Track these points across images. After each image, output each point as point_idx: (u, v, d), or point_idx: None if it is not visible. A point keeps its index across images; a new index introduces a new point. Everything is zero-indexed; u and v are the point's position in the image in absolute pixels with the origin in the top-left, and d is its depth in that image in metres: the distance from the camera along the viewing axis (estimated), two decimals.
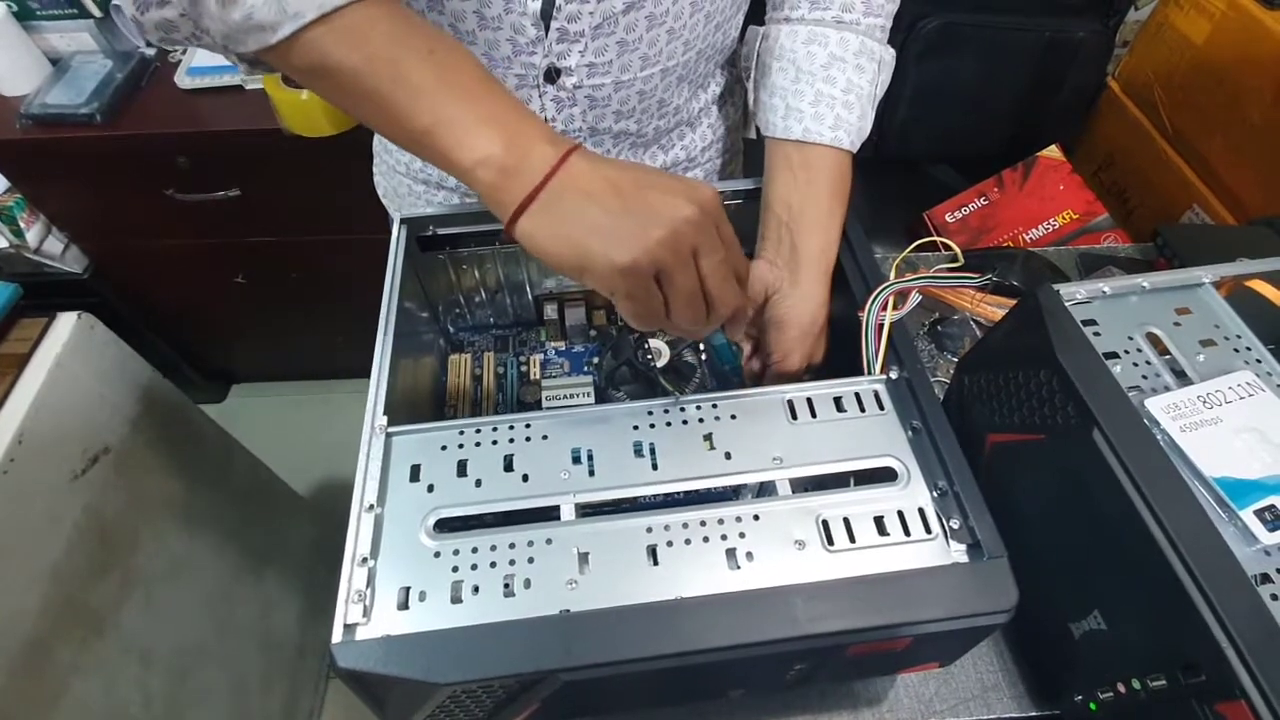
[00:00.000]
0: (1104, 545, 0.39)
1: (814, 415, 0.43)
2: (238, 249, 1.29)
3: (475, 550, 0.37)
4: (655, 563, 0.37)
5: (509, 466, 0.41)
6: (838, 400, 0.43)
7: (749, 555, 0.37)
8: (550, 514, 0.39)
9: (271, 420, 1.64)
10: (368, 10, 0.36)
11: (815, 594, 0.35)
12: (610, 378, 0.56)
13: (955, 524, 0.37)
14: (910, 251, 0.61)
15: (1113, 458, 0.37)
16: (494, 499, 0.39)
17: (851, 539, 0.37)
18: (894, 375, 0.44)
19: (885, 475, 0.40)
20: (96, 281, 1.32)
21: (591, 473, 0.40)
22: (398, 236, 0.53)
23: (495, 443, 0.42)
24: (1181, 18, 1.01)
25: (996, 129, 1.17)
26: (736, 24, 0.60)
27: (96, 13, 1.14)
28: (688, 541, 0.37)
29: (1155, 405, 0.39)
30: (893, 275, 0.49)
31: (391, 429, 0.42)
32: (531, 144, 0.37)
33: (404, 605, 0.35)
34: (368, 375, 0.44)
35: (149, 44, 1.18)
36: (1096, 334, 0.43)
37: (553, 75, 0.53)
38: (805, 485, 0.41)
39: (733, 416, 0.43)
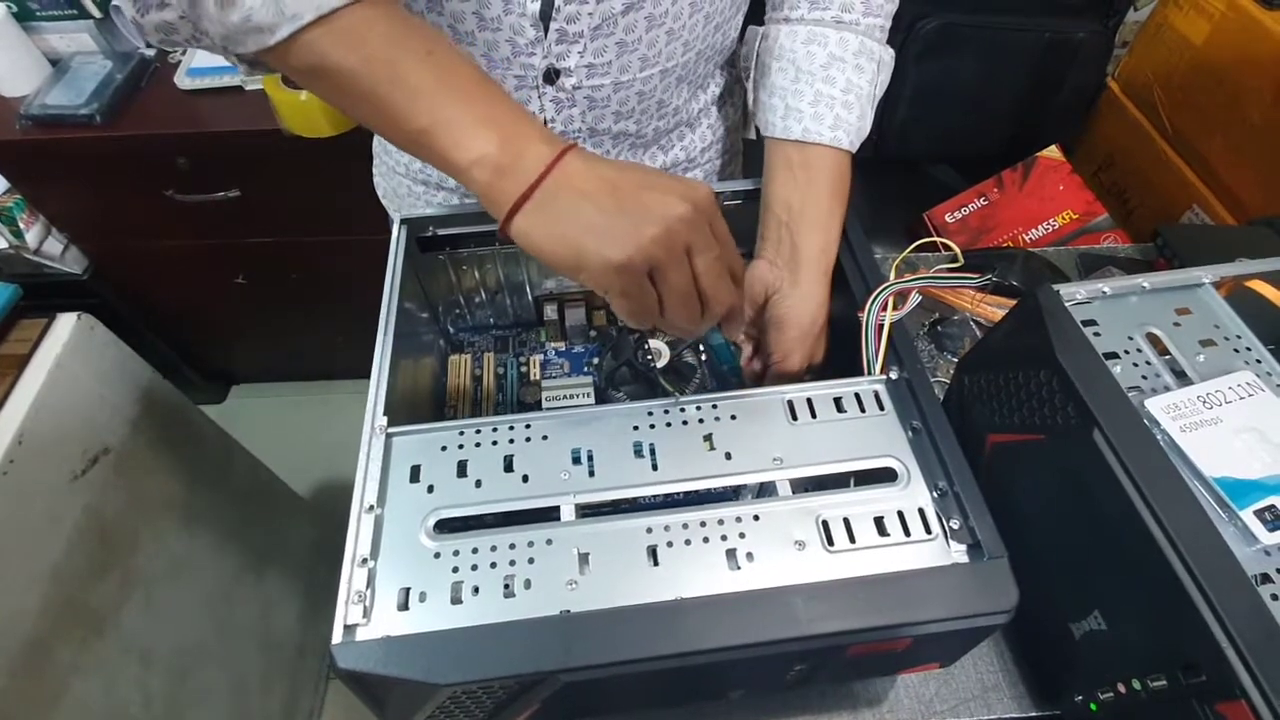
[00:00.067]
0: (1104, 545, 0.39)
1: (814, 416, 0.43)
2: (237, 250, 1.29)
3: (475, 551, 0.37)
4: (655, 563, 0.37)
5: (509, 467, 0.41)
6: (838, 401, 0.43)
7: (749, 556, 0.37)
8: (550, 514, 0.39)
9: (271, 421, 1.64)
10: (365, 12, 0.36)
11: (815, 594, 0.35)
12: (610, 378, 0.56)
13: (955, 524, 0.37)
14: (910, 252, 0.61)
15: (1113, 458, 0.37)
16: (494, 499, 0.39)
17: (852, 539, 0.37)
18: (894, 375, 0.44)
19: (885, 475, 0.40)
20: (96, 282, 1.32)
21: (591, 473, 0.40)
22: (398, 237, 0.53)
23: (495, 443, 0.42)
24: (1181, 18, 1.01)
25: (996, 129, 1.17)
26: (736, 25, 0.60)
27: (96, 13, 1.14)
28: (688, 542, 0.37)
29: (1155, 405, 0.39)
30: (893, 275, 0.49)
31: (391, 429, 0.42)
32: (527, 144, 0.37)
33: (404, 606, 0.35)
34: (367, 376, 0.44)
35: (149, 45, 1.18)
36: (1096, 334, 0.43)
37: (552, 76, 0.53)
38: (805, 486, 0.41)
39: (733, 417, 0.43)
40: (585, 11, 0.50)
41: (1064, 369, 0.40)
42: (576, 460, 0.41)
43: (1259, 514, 0.36)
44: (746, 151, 0.74)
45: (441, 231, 0.55)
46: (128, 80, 1.12)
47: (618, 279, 0.36)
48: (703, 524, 0.38)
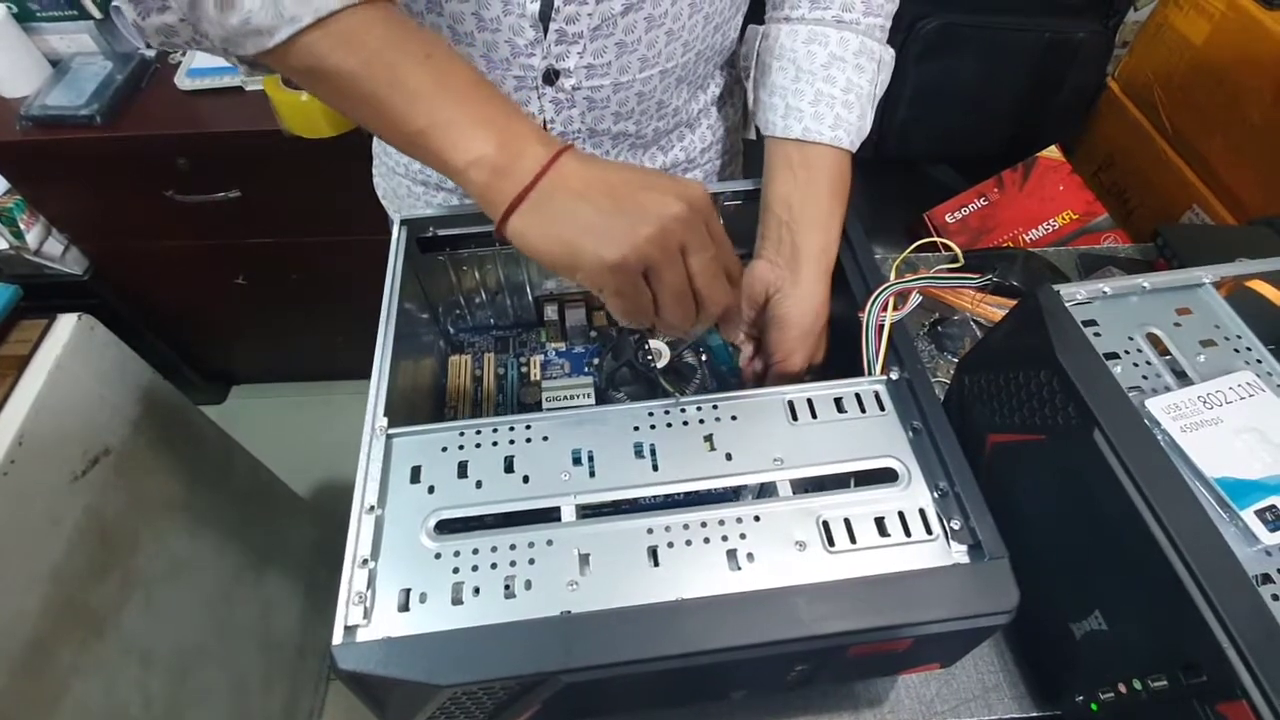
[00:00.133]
0: (1105, 546, 0.39)
1: (814, 416, 0.43)
2: (238, 250, 1.29)
3: (476, 551, 0.37)
4: (656, 564, 0.37)
5: (509, 468, 0.41)
6: (838, 401, 0.43)
7: (750, 556, 0.37)
8: (551, 515, 0.39)
9: (272, 421, 1.64)
10: (363, 15, 0.36)
11: (816, 595, 0.35)
12: (611, 379, 0.56)
13: (956, 525, 0.37)
14: (910, 252, 0.61)
15: (1113, 458, 0.37)
16: (494, 500, 0.39)
17: (852, 540, 0.37)
18: (894, 376, 0.44)
19: (886, 476, 0.40)
20: (96, 283, 1.32)
21: (592, 474, 0.40)
22: (398, 238, 0.53)
23: (496, 444, 0.42)
24: (1181, 18, 1.01)
25: (996, 129, 1.17)
26: (735, 25, 0.60)
27: (96, 14, 1.14)
28: (688, 542, 0.37)
29: (1156, 405, 0.39)
30: (893, 276, 0.49)
31: (392, 430, 0.42)
32: (524, 145, 0.37)
33: (405, 607, 0.35)
34: (368, 376, 0.44)
35: (149, 47, 1.18)
36: (1097, 334, 0.43)
37: (551, 77, 0.53)
38: (806, 486, 0.41)
39: (733, 417, 0.43)
40: (585, 12, 0.50)
41: (1064, 369, 0.40)
42: (577, 461, 0.41)
43: (1260, 514, 0.36)
44: (746, 152, 0.74)
45: (442, 232, 0.55)
46: (128, 81, 1.12)
47: (612, 278, 0.37)
48: (703, 524, 0.38)
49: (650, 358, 0.56)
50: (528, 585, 0.36)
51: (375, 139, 0.71)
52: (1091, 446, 0.38)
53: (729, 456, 0.41)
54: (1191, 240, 0.77)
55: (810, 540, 0.37)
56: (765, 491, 0.43)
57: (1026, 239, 1.04)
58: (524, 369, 0.61)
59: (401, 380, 0.47)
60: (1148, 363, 0.42)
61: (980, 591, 0.35)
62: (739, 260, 0.43)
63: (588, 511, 0.39)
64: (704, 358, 0.61)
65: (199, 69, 1.13)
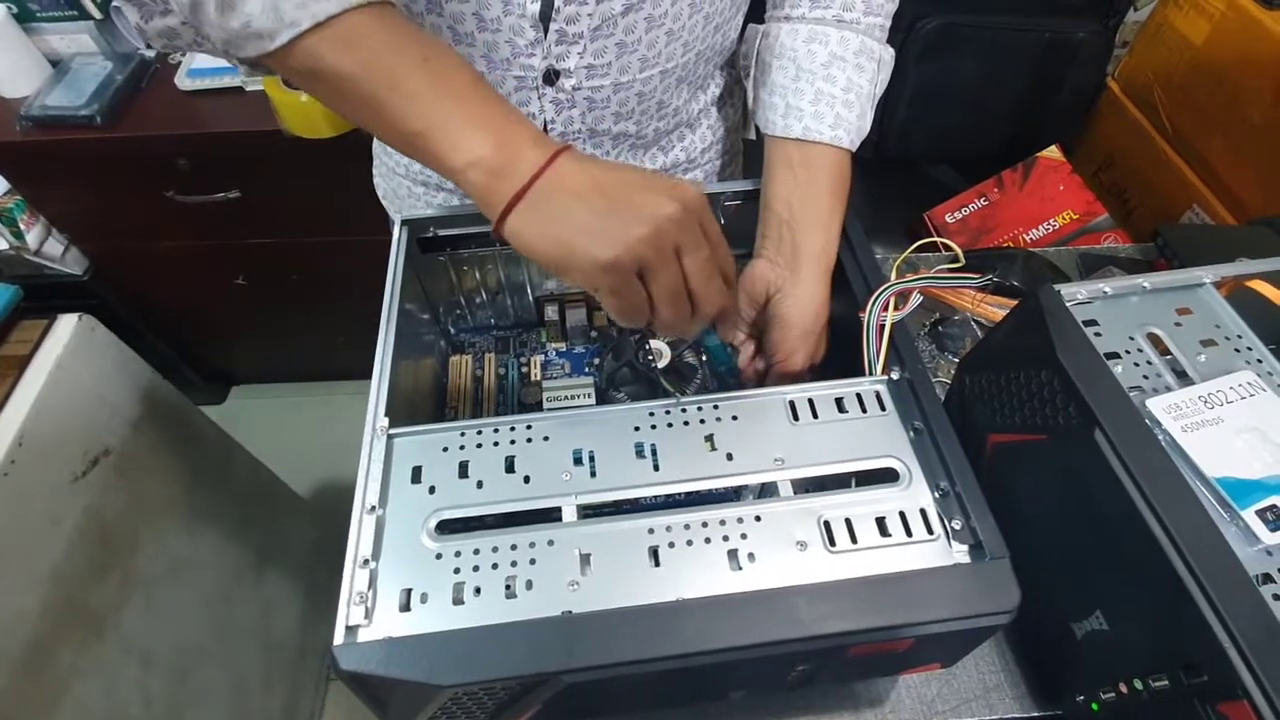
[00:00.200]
0: (1106, 545, 0.39)
1: (815, 416, 0.43)
2: (238, 250, 1.29)
3: (477, 552, 0.37)
4: (657, 564, 0.37)
5: (510, 468, 0.41)
6: (839, 401, 0.43)
7: (750, 556, 0.37)
8: (552, 515, 0.39)
9: (272, 421, 1.64)
10: (362, 18, 0.37)
11: (817, 595, 0.35)
12: (611, 379, 0.56)
13: (957, 524, 0.37)
14: (911, 252, 0.61)
15: (1114, 458, 0.37)
16: (495, 500, 0.39)
17: (853, 540, 0.37)
18: (895, 376, 0.44)
19: (887, 476, 0.40)
20: (97, 283, 1.32)
21: (593, 474, 0.40)
22: (398, 238, 0.53)
23: (496, 444, 0.42)
24: (1181, 18, 1.01)
25: (996, 129, 1.17)
26: (736, 25, 0.60)
27: (96, 14, 1.14)
28: (689, 543, 0.37)
29: (1156, 405, 0.39)
30: (893, 276, 0.49)
31: (393, 430, 0.42)
32: (521, 146, 0.38)
33: (406, 607, 0.35)
34: (368, 376, 0.44)
35: (150, 48, 1.18)
36: (1097, 334, 0.43)
37: (551, 77, 0.53)
38: (807, 486, 0.41)
39: (734, 417, 0.43)
40: (585, 12, 0.50)
41: (1065, 369, 0.40)
42: (578, 461, 0.41)
43: (1260, 514, 0.36)
44: (746, 151, 0.74)
45: (442, 232, 0.55)
46: (128, 81, 1.12)
47: (606, 278, 0.37)
48: (704, 524, 0.38)
49: (651, 358, 0.56)
50: (529, 585, 0.36)
51: (375, 139, 0.71)
52: (1092, 446, 0.38)
53: (730, 456, 0.41)
54: (1192, 240, 0.77)
55: (811, 540, 0.37)
56: (766, 491, 0.43)
57: (1027, 239, 1.04)
58: (525, 369, 0.61)
59: (402, 380, 0.47)
60: (1148, 362, 0.42)
61: (981, 591, 0.35)
62: (734, 261, 0.43)
63: (589, 511, 0.39)
64: (704, 358, 0.61)
65: (199, 69, 1.13)
